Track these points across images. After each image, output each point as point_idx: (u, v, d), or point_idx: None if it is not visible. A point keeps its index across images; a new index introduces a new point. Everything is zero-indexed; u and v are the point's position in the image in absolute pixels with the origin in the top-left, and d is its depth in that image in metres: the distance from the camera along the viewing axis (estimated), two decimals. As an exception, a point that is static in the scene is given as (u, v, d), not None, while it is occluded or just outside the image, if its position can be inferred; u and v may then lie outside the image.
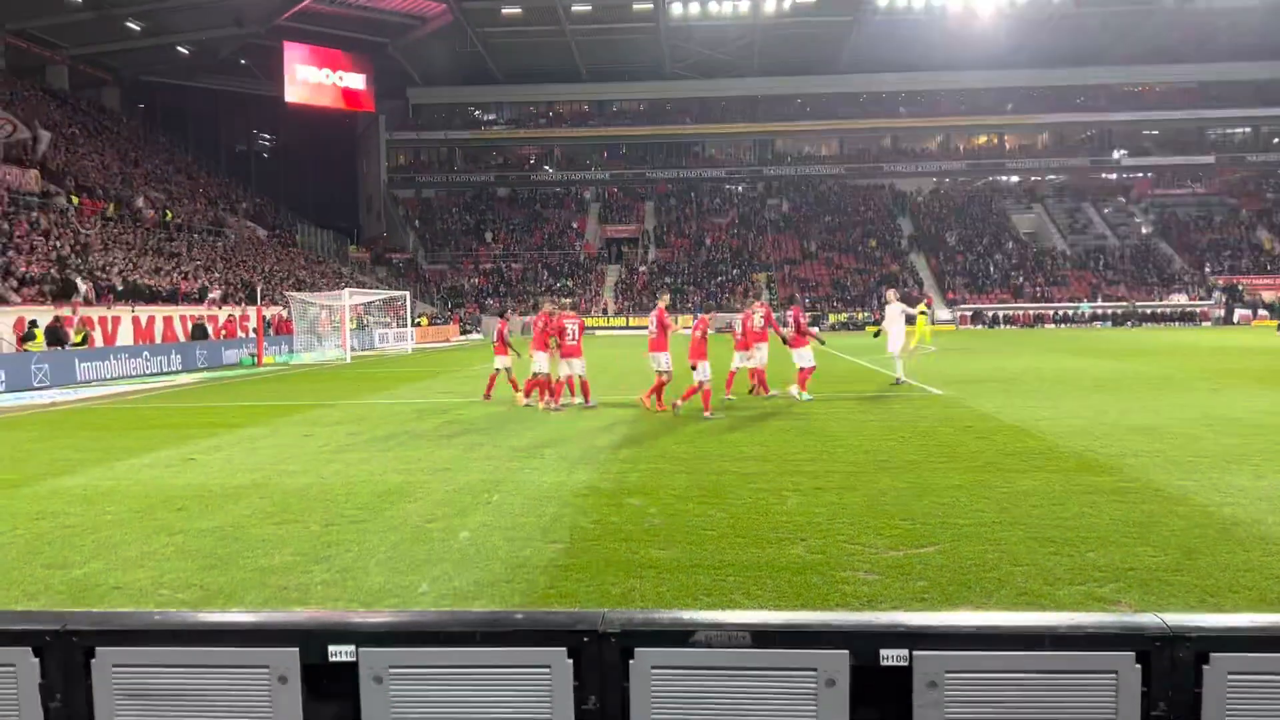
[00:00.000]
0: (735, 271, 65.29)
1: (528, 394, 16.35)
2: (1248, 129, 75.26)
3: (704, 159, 77.26)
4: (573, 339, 15.58)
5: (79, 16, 48.84)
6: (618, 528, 7.31)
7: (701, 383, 14.49)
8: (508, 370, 17.88)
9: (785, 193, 75.19)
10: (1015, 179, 76.50)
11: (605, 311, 61.13)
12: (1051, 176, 75.74)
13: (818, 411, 14.62)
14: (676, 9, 62.39)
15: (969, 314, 59.23)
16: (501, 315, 16.88)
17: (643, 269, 66.45)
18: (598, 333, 55.70)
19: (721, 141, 77.23)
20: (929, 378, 19.82)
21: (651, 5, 62.05)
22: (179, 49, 58.08)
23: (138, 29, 53.12)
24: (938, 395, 16.84)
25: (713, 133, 76.16)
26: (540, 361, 15.83)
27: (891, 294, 19.40)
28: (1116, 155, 74.51)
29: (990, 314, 58.97)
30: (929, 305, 39.13)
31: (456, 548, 6.87)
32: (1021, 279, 63.03)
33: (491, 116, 77.56)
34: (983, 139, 77.41)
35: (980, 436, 11.73)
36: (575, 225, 72.41)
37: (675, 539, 6.94)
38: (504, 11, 62.97)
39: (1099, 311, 57.38)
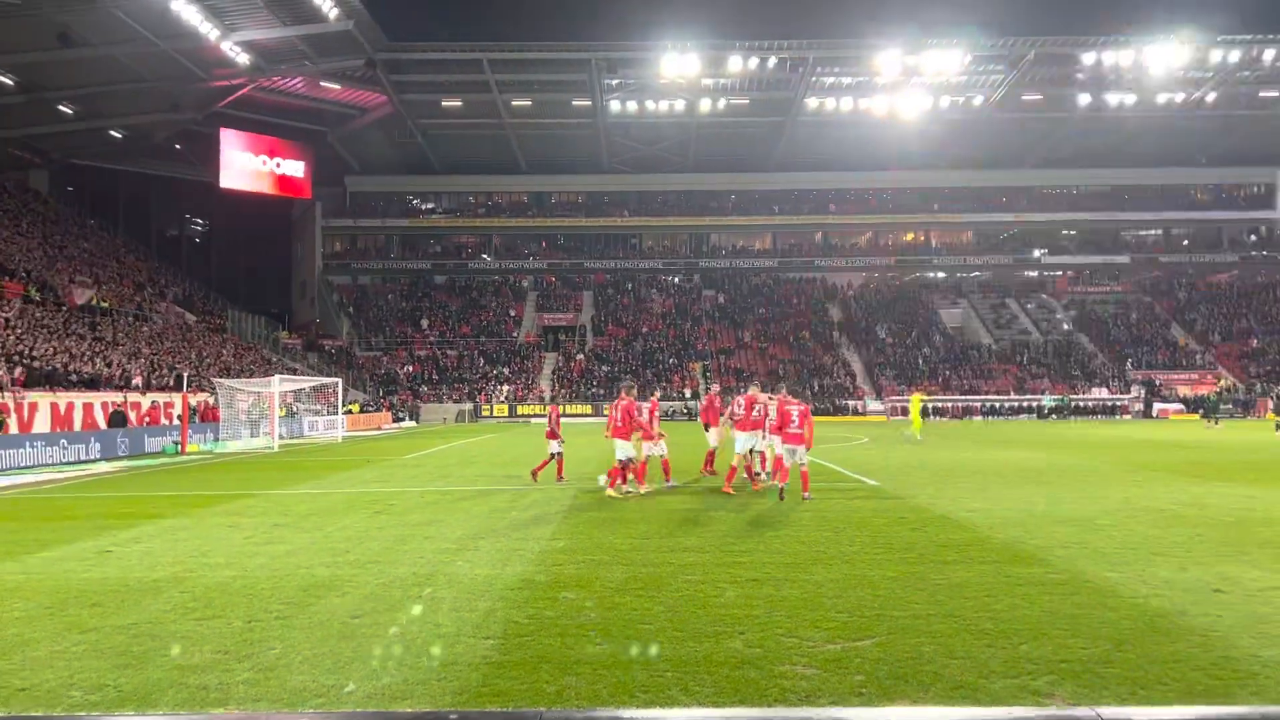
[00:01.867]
0: (671, 360, 65.80)
1: (617, 480, 15.96)
2: (1159, 230, 79.06)
3: (641, 250, 78.44)
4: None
5: (10, 100, 48.29)
6: (553, 622, 7.17)
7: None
8: (559, 455, 18.47)
9: (720, 284, 76.50)
10: (942, 274, 78.94)
11: (541, 399, 60.93)
12: (976, 273, 78.34)
13: (754, 502, 14.64)
14: (615, 107, 64.06)
15: (900, 406, 60.30)
16: (633, 393, 16.61)
17: (580, 357, 66.64)
18: (533, 421, 55.40)
19: (658, 234, 78.62)
20: (864, 468, 20.03)
21: (590, 103, 63.65)
22: (112, 133, 57.62)
23: (70, 113, 52.65)
24: (873, 486, 17.02)
25: (649, 225, 77.55)
26: (625, 447, 15.83)
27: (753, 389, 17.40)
28: (1037, 254, 77.52)
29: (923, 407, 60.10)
30: (923, 394, 38.98)
31: (385, 644, 6.66)
32: (949, 371, 64.55)
33: (430, 205, 78.03)
34: (910, 236, 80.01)
35: (914, 528, 11.84)
36: (513, 313, 72.57)
37: (612, 633, 6.83)
38: (444, 104, 63.99)
39: (1028, 404, 58.86)
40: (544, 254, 77.91)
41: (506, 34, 63.36)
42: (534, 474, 18.53)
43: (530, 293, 75.38)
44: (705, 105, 64.15)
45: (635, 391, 17.19)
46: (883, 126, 66.74)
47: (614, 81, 61.62)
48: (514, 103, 63.73)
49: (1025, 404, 58.95)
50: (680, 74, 59.59)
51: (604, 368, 64.99)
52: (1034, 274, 78.34)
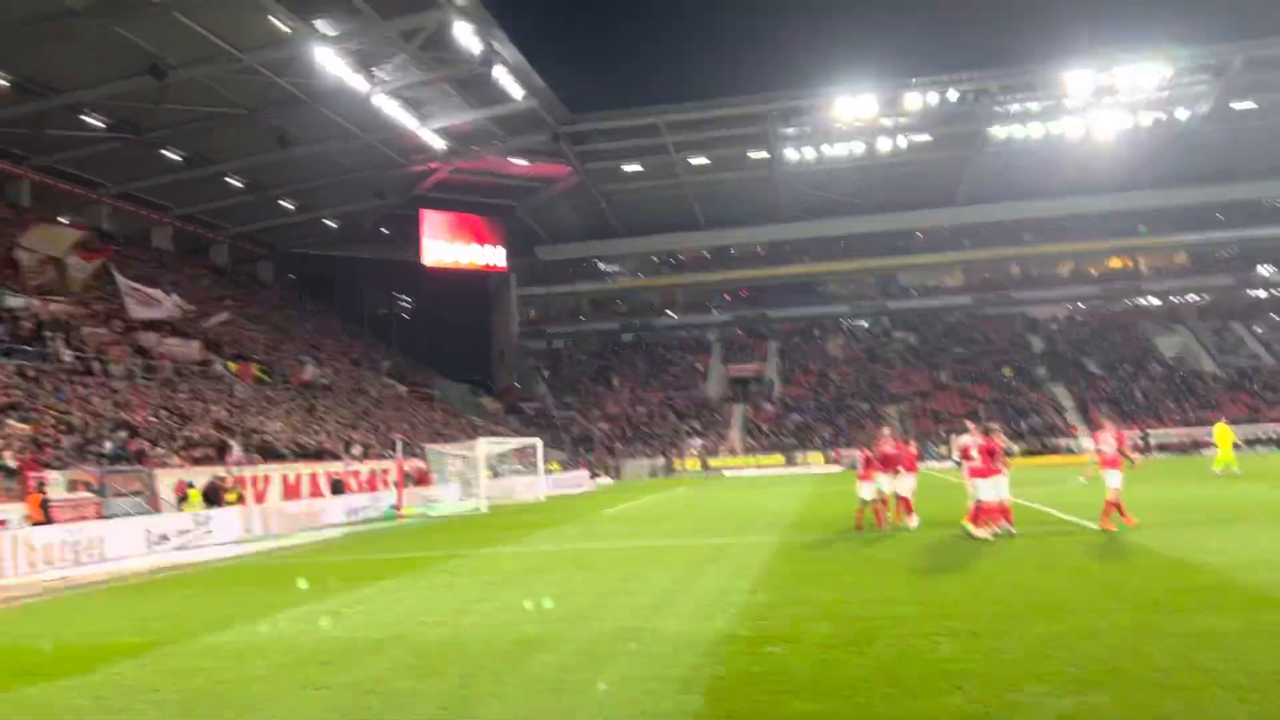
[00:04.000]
0: (864, 406, 64.22)
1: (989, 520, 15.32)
2: (1407, 235, 70.88)
3: (825, 296, 77.42)
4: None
5: (241, 200, 53.50)
6: (759, 678, 7.05)
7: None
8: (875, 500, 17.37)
9: (911, 325, 74.36)
10: (1154, 300, 73.68)
11: (733, 451, 60.75)
12: (1193, 297, 72.66)
13: (964, 548, 13.96)
14: (791, 155, 64.01)
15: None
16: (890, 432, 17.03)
17: (769, 407, 66.13)
18: (726, 473, 55.27)
19: (842, 278, 77.44)
20: (1081, 510, 18.75)
21: (766, 154, 63.89)
22: (326, 222, 62.64)
23: (291, 207, 57.72)
24: (1094, 529, 15.89)
25: (832, 270, 76.51)
26: (990, 486, 14.95)
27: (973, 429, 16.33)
28: (1264, 271, 71.11)
29: (1143, 441, 55.86)
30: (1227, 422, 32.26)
31: (595, 700, 6.73)
32: (1171, 403, 59.81)
33: (615, 268, 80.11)
34: (1115, 262, 75.27)
35: (1144, 573, 10.95)
36: (700, 367, 73.05)
37: (821, 690, 6.63)
38: (624, 169, 65.84)
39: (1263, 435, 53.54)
40: (727, 306, 78.26)
41: (681, 95, 64.77)
42: (856, 526, 17.23)
43: (716, 345, 75.72)
44: (884, 145, 63.09)
45: (891, 431, 18.26)
46: (1076, 149, 63.45)
47: (789, 130, 61.65)
48: (691, 161, 64.82)
49: (1266, 436, 53.68)
50: (857, 116, 58.94)
51: (795, 416, 64.17)
52: (1261, 294, 71.82)
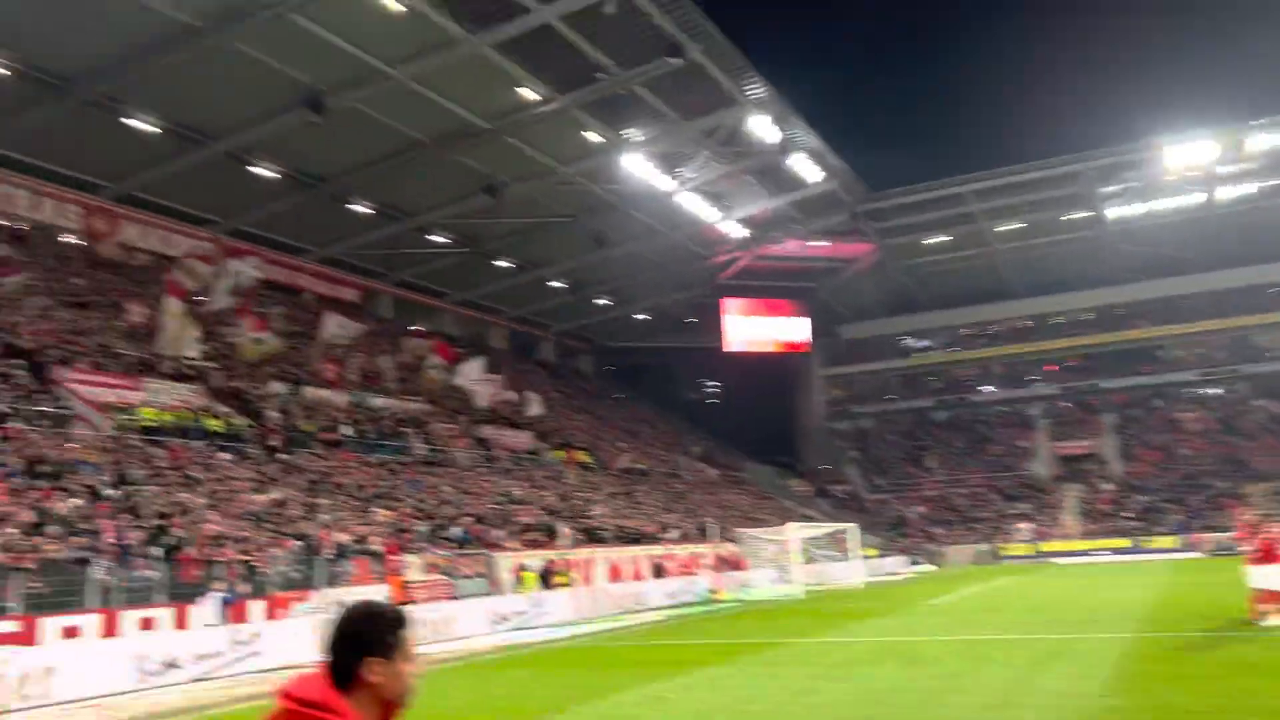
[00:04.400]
0: (1222, 484, 57.01)
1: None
2: None
3: (1167, 362, 70.15)
4: None
5: (564, 300, 57.98)
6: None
7: None
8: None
9: (1274, 391, 65.49)
10: None
11: (1067, 535, 55.98)
12: None
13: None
14: (1114, 213, 59.53)
15: None
16: None
17: (1107, 487, 60.47)
18: (1058, 560, 50.95)
19: (1187, 342, 69.95)
20: None
21: (1087, 213, 59.86)
22: (637, 316, 66.14)
23: (606, 304, 61.63)
24: None
25: (1173, 334, 69.30)
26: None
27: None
28: None
29: None
30: None
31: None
32: None
33: (924, 343, 77.60)
34: None
35: None
36: (1023, 445, 68.40)
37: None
38: (926, 242, 64.20)
39: None
40: (1052, 378, 72.99)
41: (986, 163, 62.41)
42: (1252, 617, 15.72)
43: (1041, 421, 70.63)
44: (1227, 193, 57.02)
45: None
46: None
47: (1111, 188, 57.37)
48: (999, 228, 61.97)
49: None
50: (1189, 165, 53.75)
51: (1138, 497, 58.17)
52: None
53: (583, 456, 45.22)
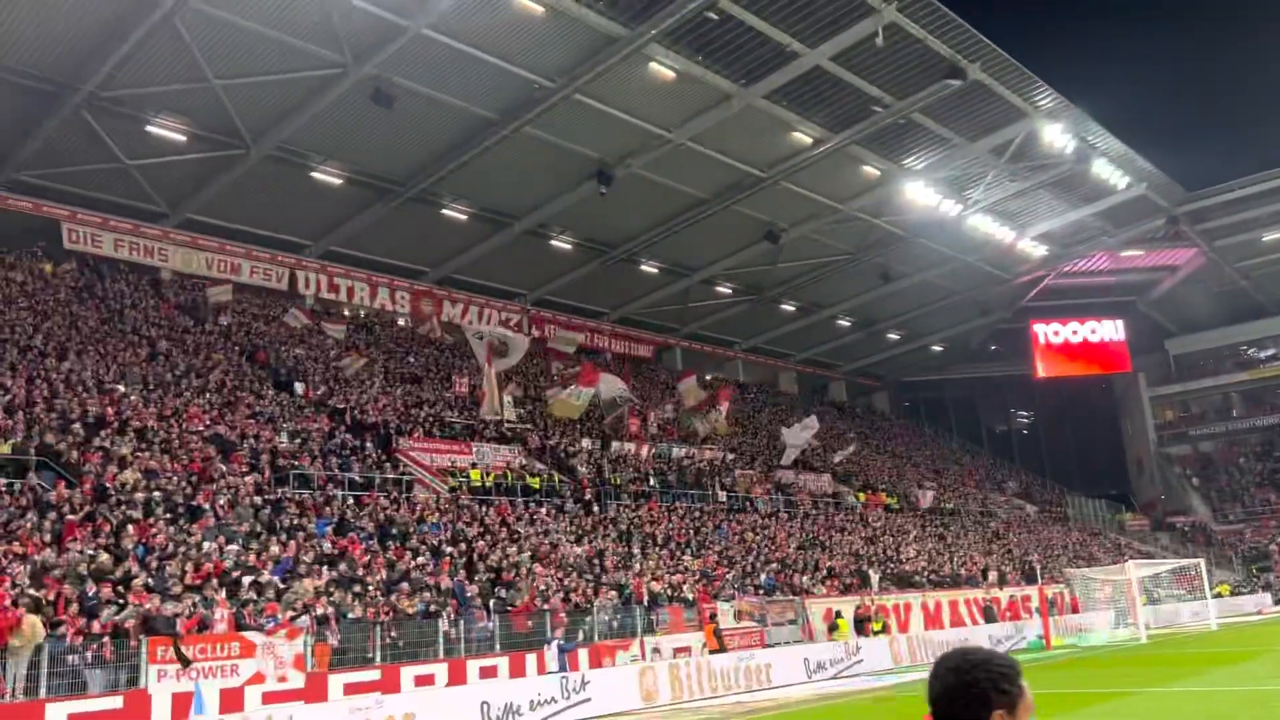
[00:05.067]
0: None
1: None
2: None
3: None
4: None
5: (851, 337, 57.01)
6: None
7: None
8: None
9: None
10: None
11: None
12: None
13: None
14: None
15: None
16: None
17: None
18: None
19: None
20: None
21: None
22: (933, 348, 63.58)
23: (897, 338, 59.82)
24: None
25: None
26: None
27: None
28: None
29: None
30: None
31: None
32: None
33: (1269, 351, 68.72)
34: None
35: None
36: None
37: None
38: (1265, 239, 57.09)
39: None
40: None
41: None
42: None
43: None
44: None
45: None
46: None
47: None
48: (1360, 214, 53.98)
49: None
50: None
51: None
52: None
53: (886, 498, 43.91)
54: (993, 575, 36.51)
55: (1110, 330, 64.71)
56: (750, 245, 42.12)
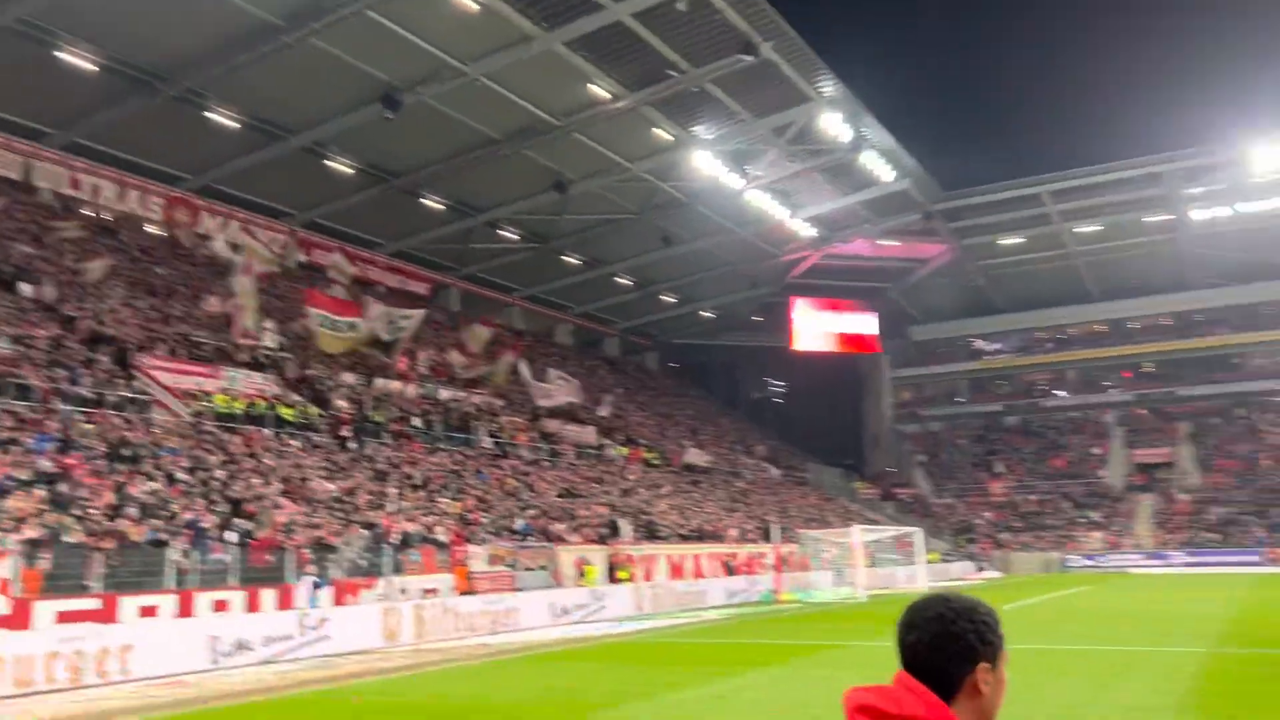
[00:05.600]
0: (1308, 499, 54.96)
1: None
2: None
3: (1249, 371, 67.77)
4: None
5: (629, 296, 58.08)
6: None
7: None
8: None
9: (1367, 403, 62.86)
10: None
11: (1140, 546, 54.48)
12: None
13: None
14: (1197, 216, 57.61)
15: None
16: None
17: (1183, 497, 58.68)
18: (1131, 569, 49.60)
19: (1270, 350, 67.53)
20: None
21: (1168, 215, 58.07)
22: (704, 314, 65.96)
23: (672, 301, 61.57)
24: None
25: (1255, 341, 66.98)
26: None
27: None
28: None
29: None
30: None
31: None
32: None
33: (996, 346, 76.09)
34: None
35: None
36: (1096, 452, 66.70)
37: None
38: (1002, 242, 62.92)
39: None
40: (1128, 385, 71.01)
41: (1064, 163, 60.87)
42: None
43: (1115, 428, 68.77)
44: (1316, 197, 54.81)
45: None
46: None
47: (1195, 190, 55.53)
48: (1077, 230, 60.40)
49: None
50: (1277, 169, 51.88)
51: (1216, 509, 56.34)
52: None
53: (647, 454, 45.30)
54: (734, 532, 38.56)
55: (863, 314, 69.46)
56: (538, 193, 41.83)
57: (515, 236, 46.64)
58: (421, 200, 40.98)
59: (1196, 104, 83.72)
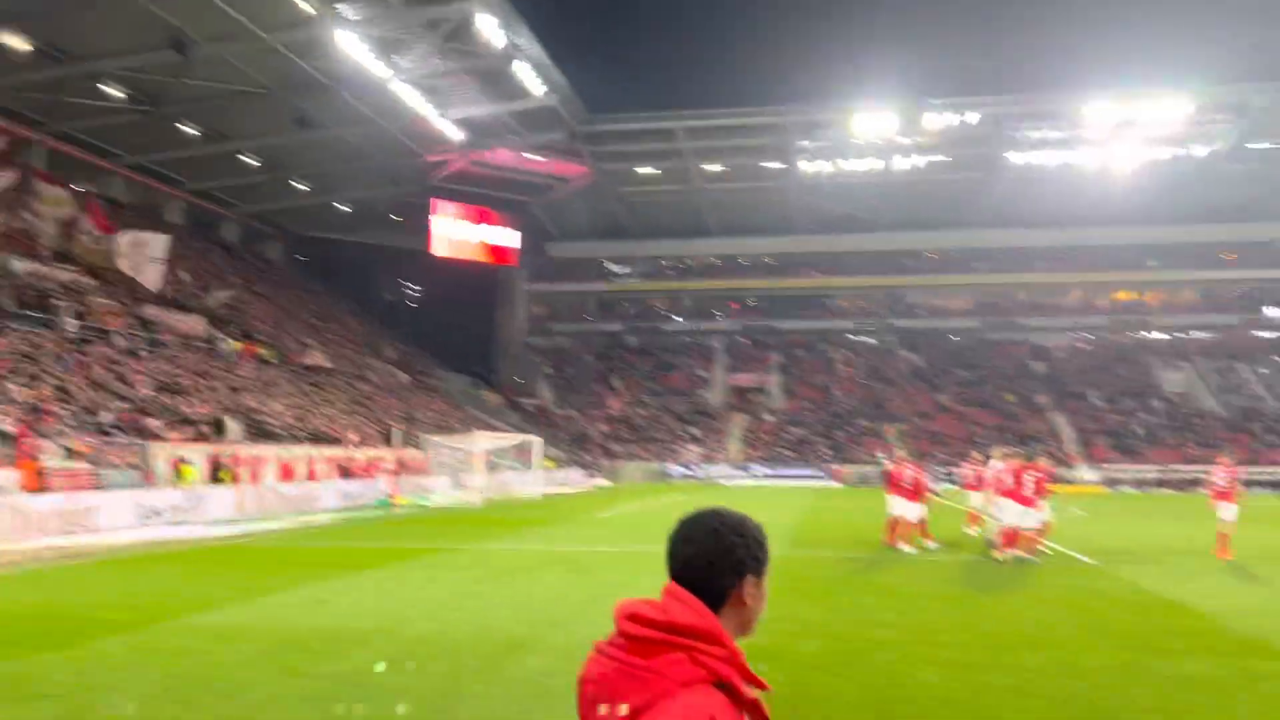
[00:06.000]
0: (864, 423, 64.18)
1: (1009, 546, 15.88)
2: None
3: (832, 310, 77.39)
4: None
5: (254, 179, 53.50)
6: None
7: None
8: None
9: (917, 345, 74.27)
10: (1161, 336, 73.53)
11: (731, 460, 60.72)
12: (1200, 334, 72.54)
13: (959, 577, 13.93)
14: (806, 168, 63.99)
15: (1121, 478, 56.20)
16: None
17: (769, 418, 66.08)
18: (723, 481, 55.23)
19: (850, 294, 77.39)
20: (1079, 545, 18.70)
21: (782, 164, 63.87)
22: (339, 207, 62.68)
23: (304, 189, 57.78)
24: (1088, 564, 15.84)
25: (841, 285, 76.46)
26: (1012, 511, 15.81)
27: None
28: (1271, 313, 70.96)
29: (1140, 477, 55.82)
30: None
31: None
32: (1171, 440, 59.71)
33: (625, 269, 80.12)
34: (1125, 294, 75.13)
35: (1135, 612, 10.91)
36: (703, 374, 73.05)
37: (800, 711, 6.59)
38: (639, 171, 65.86)
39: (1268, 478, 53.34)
40: (734, 315, 78.22)
41: (699, 101, 64.68)
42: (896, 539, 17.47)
43: (720, 353, 75.69)
44: (901, 163, 63.06)
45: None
46: (1093, 180, 63.38)
47: (806, 143, 61.64)
48: (705, 167, 64.84)
49: (1264, 478, 53.50)
50: (875, 133, 58.95)
51: (794, 430, 64.12)
52: (1269, 335, 71.68)
53: (263, 349, 42.65)
54: (354, 435, 37.64)
55: (504, 224, 69.78)
56: (154, 50, 36.99)
57: (122, 95, 41.03)
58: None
59: (819, 65, 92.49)
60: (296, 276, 64.73)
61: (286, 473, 30.35)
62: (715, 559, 1.97)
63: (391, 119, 47.84)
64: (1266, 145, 60.34)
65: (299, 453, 32.13)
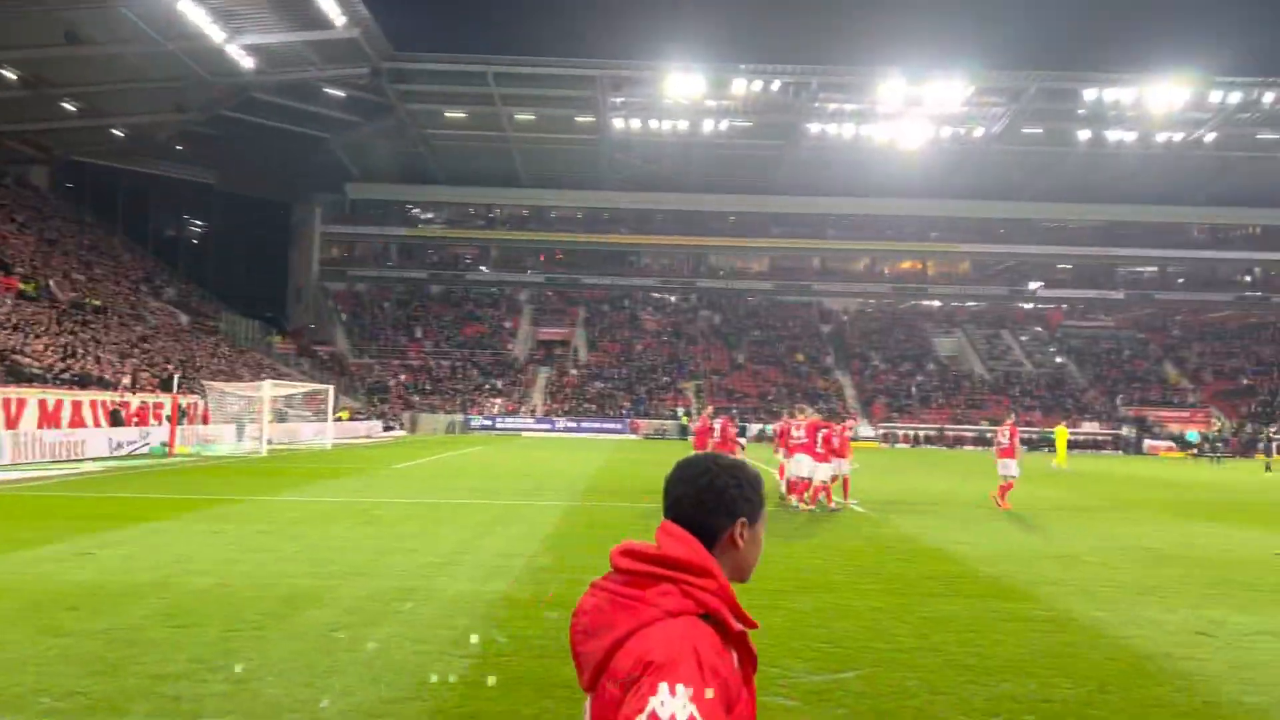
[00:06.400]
0: (665, 379, 65.78)
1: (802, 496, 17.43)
2: (1154, 268, 79.33)
3: (638, 268, 78.53)
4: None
5: (13, 94, 48.23)
6: (534, 643, 7.10)
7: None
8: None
9: (717, 305, 76.62)
10: (937, 303, 79.12)
11: (534, 413, 60.84)
12: (972, 303, 78.54)
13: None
14: (618, 124, 64.26)
15: (895, 434, 60.30)
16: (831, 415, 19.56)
17: (573, 372, 66.57)
18: (523, 434, 55.32)
19: (656, 252, 78.73)
20: (857, 495, 19.97)
21: (594, 118, 63.86)
22: (114, 131, 57.61)
23: (74, 110, 52.66)
24: (861, 514, 16.98)
25: (647, 243, 77.69)
26: (806, 465, 17.30)
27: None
28: (1033, 286, 77.77)
29: (912, 434, 60.13)
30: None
31: (363, 659, 6.58)
32: (941, 400, 64.61)
33: (429, 215, 78.07)
34: (907, 264, 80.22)
35: (901, 558, 11.79)
36: (508, 326, 72.55)
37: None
38: (448, 115, 64.16)
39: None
40: (541, 268, 77.97)
41: (512, 48, 63.68)
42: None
43: (526, 306, 75.38)
44: (708, 126, 64.41)
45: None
46: (883, 154, 67.05)
47: (618, 100, 61.85)
48: (517, 116, 63.92)
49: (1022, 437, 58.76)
50: (684, 94, 59.84)
51: (597, 384, 64.91)
52: (1029, 306, 78.59)
53: (23, 284, 38.90)
54: (126, 378, 35.08)
55: (298, 160, 66.28)
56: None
57: None
58: None
59: (635, 22, 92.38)
60: (64, 205, 59.19)
61: (49, 418, 27.94)
62: (707, 497, 2.02)
63: (175, 40, 44.38)
64: (1037, 130, 65.63)
65: (65, 396, 29.63)
